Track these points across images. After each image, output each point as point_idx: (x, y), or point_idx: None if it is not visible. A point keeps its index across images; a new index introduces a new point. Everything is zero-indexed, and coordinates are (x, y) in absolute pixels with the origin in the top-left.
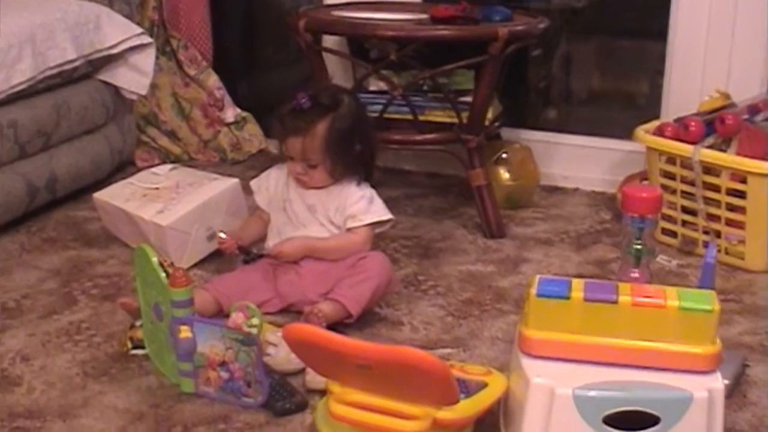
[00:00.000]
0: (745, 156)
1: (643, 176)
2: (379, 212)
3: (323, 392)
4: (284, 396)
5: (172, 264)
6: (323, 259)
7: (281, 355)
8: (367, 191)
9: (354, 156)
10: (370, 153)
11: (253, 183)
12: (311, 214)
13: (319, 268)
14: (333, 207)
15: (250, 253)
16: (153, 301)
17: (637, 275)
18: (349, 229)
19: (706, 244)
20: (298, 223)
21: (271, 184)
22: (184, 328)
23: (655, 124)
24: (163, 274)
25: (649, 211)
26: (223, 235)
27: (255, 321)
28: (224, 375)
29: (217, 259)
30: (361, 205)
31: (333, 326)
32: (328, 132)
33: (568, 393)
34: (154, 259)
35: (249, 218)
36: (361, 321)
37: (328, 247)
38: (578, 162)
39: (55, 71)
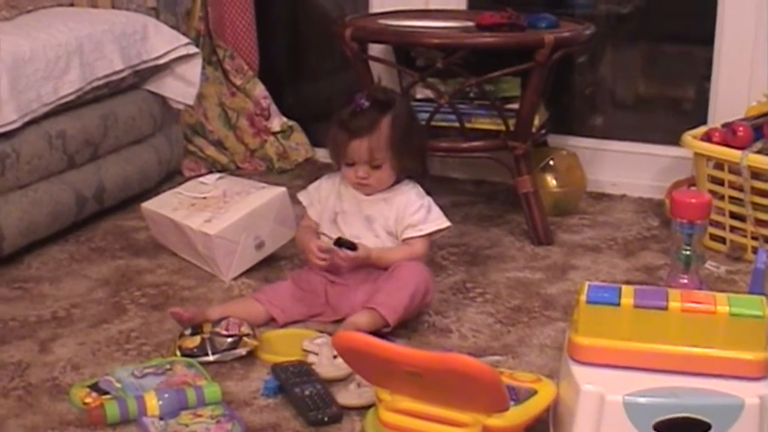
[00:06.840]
0: None
1: (691, 182)
2: (437, 221)
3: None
4: (319, 406)
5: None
6: (375, 266)
7: (324, 362)
8: (425, 200)
9: (414, 150)
10: (424, 149)
11: (302, 197)
12: (368, 225)
13: (368, 278)
14: (393, 217)
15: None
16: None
17: (686, 281)
18: (406, 239)
19: (755, 250)
20: (351, 236)
21: (322, 197)
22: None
23: (702, 129)
24: None
25: (699, 216)
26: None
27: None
28: None
29: (265, 268)
30: (420, 215)
31: (380, 334)
32: (391, 127)
33: (619, 400)
34: None
35: (302, 233)
36: (410, 328)
37: (393, 258)
38: (625, 168)
39: (102, 82)
